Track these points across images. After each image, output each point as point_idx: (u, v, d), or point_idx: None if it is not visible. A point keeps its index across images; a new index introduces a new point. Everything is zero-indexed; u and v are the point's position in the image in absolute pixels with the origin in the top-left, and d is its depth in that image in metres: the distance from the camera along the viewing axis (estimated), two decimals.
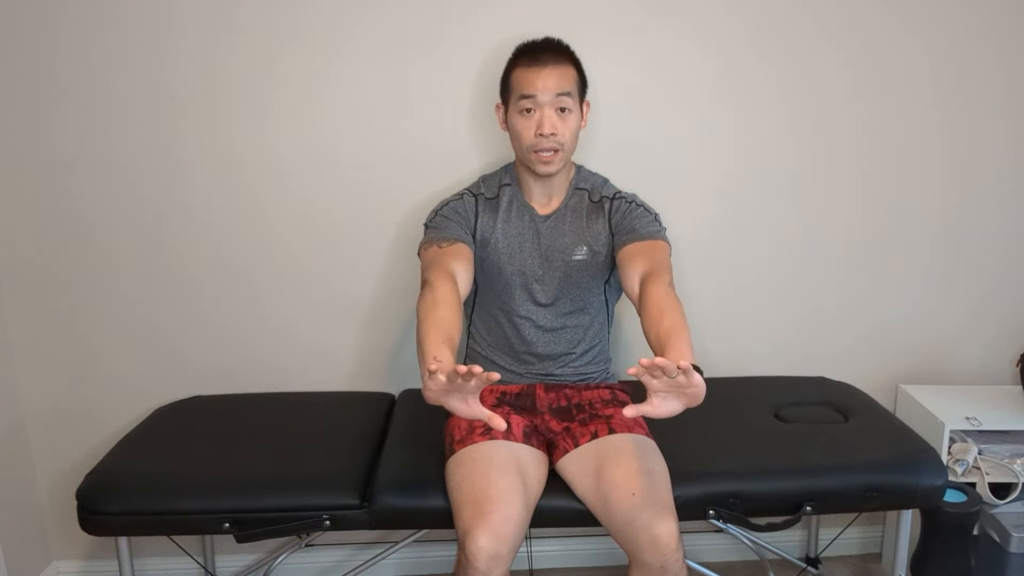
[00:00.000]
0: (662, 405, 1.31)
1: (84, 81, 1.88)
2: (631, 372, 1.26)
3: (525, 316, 1.74)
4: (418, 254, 1.70)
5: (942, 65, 1.99)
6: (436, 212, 1.75)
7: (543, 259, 1.73)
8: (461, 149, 1.96)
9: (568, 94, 1.64)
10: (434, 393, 1.31)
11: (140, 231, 1.97)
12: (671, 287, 1.55)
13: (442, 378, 1.27)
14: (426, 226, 1.74)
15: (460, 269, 1.60)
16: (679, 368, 1.24)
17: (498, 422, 1.32)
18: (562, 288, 1.74)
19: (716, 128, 2.00)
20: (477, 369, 1.24)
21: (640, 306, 1.53)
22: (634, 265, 1.60)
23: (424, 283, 1.57)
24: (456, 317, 1.47)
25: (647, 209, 1.74)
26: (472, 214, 1.75)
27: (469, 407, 1.33)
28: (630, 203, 1.74)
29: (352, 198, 1.98)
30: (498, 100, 1.75)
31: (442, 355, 1.36)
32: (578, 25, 1.89)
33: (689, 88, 1.97)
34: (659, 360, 1.24)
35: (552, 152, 1.65)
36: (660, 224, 1.72)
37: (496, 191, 1.78)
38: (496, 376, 1.25)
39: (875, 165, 2.05)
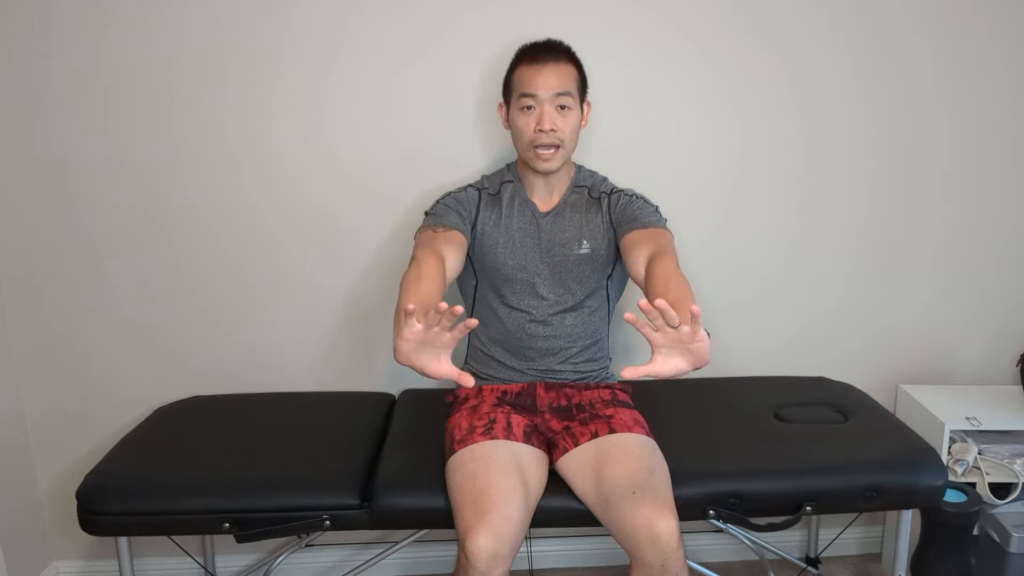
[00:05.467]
0: (666, 363, 1.23)
1: (83, 81, 1.88)
2: (627, 318, 1.17)
3: (525, 310, 1.75)
4: (414, 238, 1.70)
5: (946, 70, 2.00)
6: (437, 201, 1.76)
7: (544, 254, 1.74)
8: (463, 149, 1.96)
9: (568, 93, 1.65)
10: (408, 345, 1.25)
11: (139, 231, 1.97)
12: (678, 267, 1.51)
13: (418, 325, 1.23)
14: (426, 214, 1.75)
15: (450, 253, 1.59)
16: (691, 313, 1.17)
17: (467, 379, 1.27)
18: (563, 283, 1.74)
19: (718, 129, 2.00)
20: (458, 309, 1.21)
21: (646, 281, 1.50)
22: (639, 249, 1.59)
23: (412, 259, 1.56)
24: (437, 294, 1.43)
25: (647, 201, 1.75)
26: (474, 206, 1.75)
27: (441, 365, 1.28)
28: (630, 196, 1.75)
29: (353, 198, 1.98)
30: (500, 100, 1.75)
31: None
32: (582, 26, 1.90)
33: (693, 89, 1.97)
34: (659, 302, 1.17)
35: (553, 149, 1.66)
36: (661, 215, 1.73)
37: (498, 187, 1.79)
38: (474, 322, 1.22)
39: (877, 166, 2.05)
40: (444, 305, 1.21)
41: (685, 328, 1.21)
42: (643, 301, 1.19)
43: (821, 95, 1.99)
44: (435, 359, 1.28)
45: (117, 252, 1.98)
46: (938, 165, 2.06)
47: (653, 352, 1.24)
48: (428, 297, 1.38)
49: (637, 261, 1.57)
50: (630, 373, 1.22)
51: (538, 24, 1.88)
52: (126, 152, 1.92)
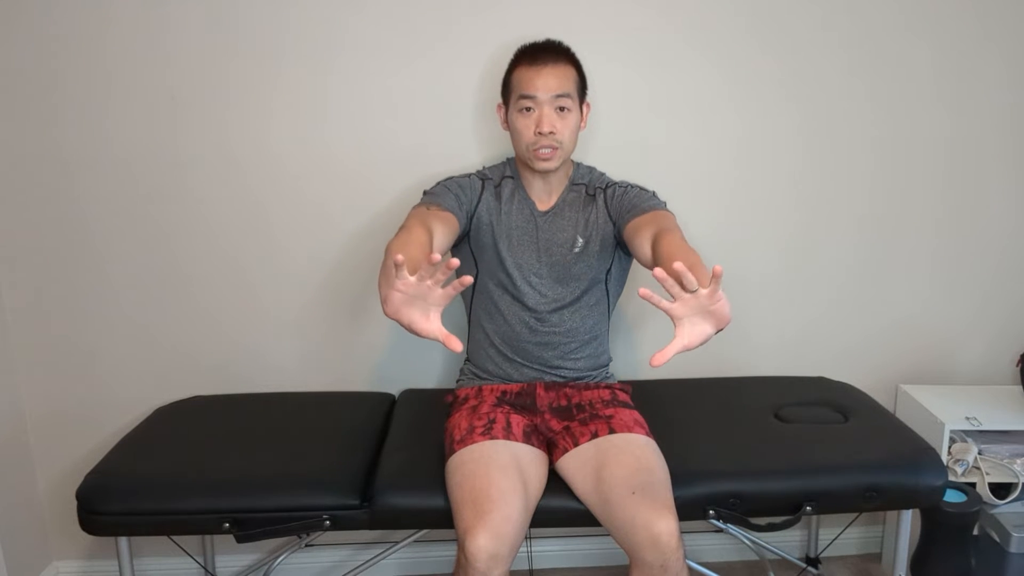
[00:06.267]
0: (692, 332, 1.19)
1: (84, 81, 1.88)
2: (642, 293, 1.13)
3: (524, 306, 1.75)
4: (408, 215, 1.66)
5: (945, 69, 2.00)
6: (438, 183, 1.74)
7: (542, 253, 1.74)
8: (463, 149, 1.96)
9: (567, 95, 1.65)
10: (399, 296, 1.20)
11: (140, 231, 1.97)
12: (684, 241, 1.47)
13: (411, 277, 1.20)
14: (424, 193, 1.73)
15: (439, 230, 1.56)
16: (714, 273, 1.14)
17: (455, 343, 1.21)
18: (561, 281, 1.74)
19: (718, 129, 2.00)
20: (454, 262, 1.17)
21: (654, 260, 1.46)
22: (642, 232, 1.56)
23: (400, 228, 1.53)
24: (424, 260, 1.34)
25: (643, 188, 1.74)
26: (476, 195, 1.75)
27: (429, 322, 1.23)
28: (625, 187, 1.75)
29: (352, 197, 1.98)
30: (499, 100, 1.75)
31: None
32: (582, 26, 1.90)
33: (692, 90, 1.97)
34: (676, 265, 1.14)
35: (551, 149, 1.66)
36: (660, 199, 1.72)
37: (499, 181, 1.79)
38: (469, 280, 1.16)
39: (877, 166, 2.05)
40: (437, 256, 1.17)
41: (703, 291, 1.18)
42: (658, 269, 1.16)
43: (820, 95, 1.99)
44: (424, 316, 1.23)
45: (117, 252, 1.98)
46: (938, 165, 2.06)
47: (676, 326, 1.21)
48: (417, 261, 1.34)
49: (642, 244, 1.54)
50: (660, 359, 1.18)
51: (538, 24, 1.88)
52: (127, 152, 1.92)
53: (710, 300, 1.19)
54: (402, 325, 1.25)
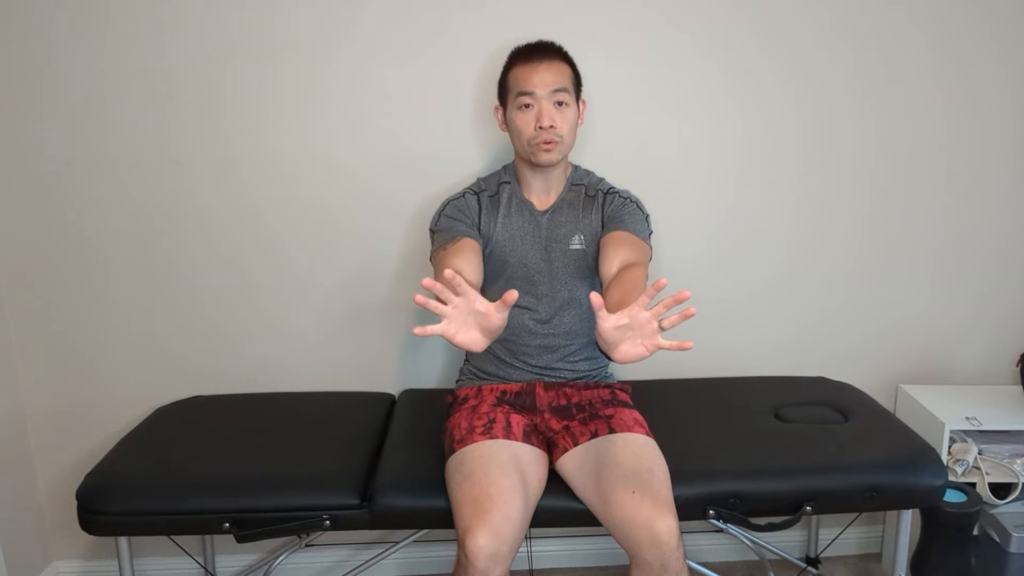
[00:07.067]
0: (616, 328, 1.26)
1: (82, 82, 1.88)
2: (660, 282, 1.20)
3: (525, 307, 1.75)
4: (431, 261, 1.71)
5: (946, 69, 2.00)
6: (439, 214, 1.76)
7: (543, 251, 1.75)
8: (461, 149, 1.97)
9: (564, 90, 1.66)
10: (463, 332, 1.28)
11: (140, 231, 1.97)
12: (644, 281, 1.52)
13: (440, 326, 1.26)
14: (432, 232, 1.75)
15: (464, 264, 1.59)
16: (685, 345, 1.21)
17: (511, 294, 1.25)
18: (560, 279, 1.75)
19: (719, 129, 2.00)
20: (449, 273, 1.23)
21: (613, 277, 1.53)
22: (619, 250, 1.60)
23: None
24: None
25: (640, 208, 1.75)
26: (475, 213, 1.76)
27: (490, 315, 1.28)
28: (624, 199, 1.76)
29: (352, 198, 1.98)
30: (496, 102, 1.76)
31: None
32: (583, 26, 1.90)
33: (693, 89, 1.97)
34: (663, 281, 1.20)
35: (552, 143, 1.67)
36: (648, 226, 1.74)
37: (496, 188, 1.79)
38: (451, 272, 1.23)
39: (878, 166, 2.05)
40: (451, 271, 1.23)
41: (662, 342, 1.24)
42: (686, 292, 1.21)
43: (821, 95, 1.99)
44: (485, 316, 1.28)
45: (117, 252, 1.98)
46: (938, 165, 2.06)
47: (621, 312, 1.26)
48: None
49: (612, 259, 1.59)
50: (596, 298, 1.23)
51: (538, 25, 1.88)
52: (126, 152, 1.93)
53: (651, 343, 1.25)
54: (493, 334, 1.31)
